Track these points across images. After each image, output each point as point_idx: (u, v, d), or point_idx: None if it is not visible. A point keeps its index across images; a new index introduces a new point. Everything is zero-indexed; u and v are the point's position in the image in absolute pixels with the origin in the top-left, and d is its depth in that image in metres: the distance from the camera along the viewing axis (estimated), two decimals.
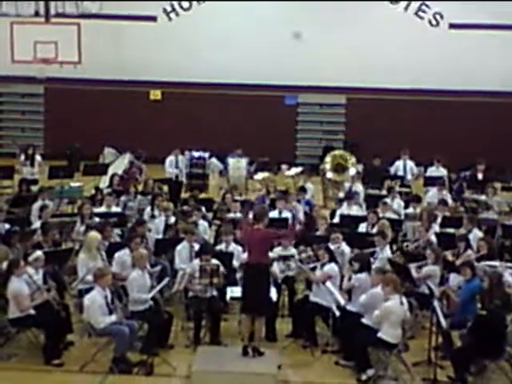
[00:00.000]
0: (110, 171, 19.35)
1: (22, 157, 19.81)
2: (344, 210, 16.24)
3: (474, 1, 24.27)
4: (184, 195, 18.62)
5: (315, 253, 12.35)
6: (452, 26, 25.21)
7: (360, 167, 20.74)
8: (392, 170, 20.43)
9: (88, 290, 11.01)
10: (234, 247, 12.83)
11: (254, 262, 10.42)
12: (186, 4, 25.86)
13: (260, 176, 20.21)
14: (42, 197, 15.67)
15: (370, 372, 10.38)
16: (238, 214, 15.15)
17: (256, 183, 20.34)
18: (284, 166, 22.67)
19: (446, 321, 10.38)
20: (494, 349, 10.17)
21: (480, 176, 19.62)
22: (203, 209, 15.26)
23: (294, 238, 13.06)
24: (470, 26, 24.80)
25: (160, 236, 14.13)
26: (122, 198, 16.34)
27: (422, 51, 24.85)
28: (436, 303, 10.48)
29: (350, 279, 11.51)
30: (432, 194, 17.69)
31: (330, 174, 20.61)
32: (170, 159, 20.89)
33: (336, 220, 15.72)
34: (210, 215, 15.53)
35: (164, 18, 25.87)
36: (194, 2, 25.79)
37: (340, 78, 25.18)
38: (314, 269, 11.82)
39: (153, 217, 15.04)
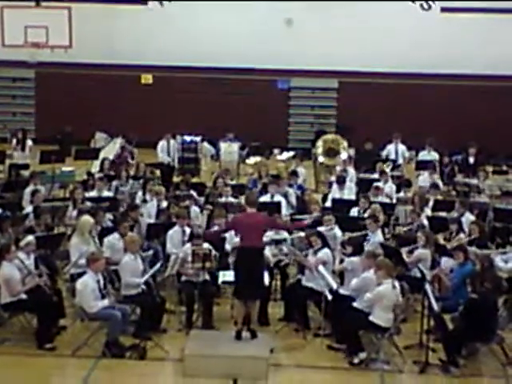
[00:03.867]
0: (102, 156, 19.32)
1: (14, 141, 19.74)
2: (335, 193, 16.26)
3: None
4: (176, 179, 18.60)
5: (307, 238, 12.35)
6: (444, 9, 25.16)
7: (352, 151, 20.74)
8: (384, 153, 20.43)
9: (80, 275, 11.02)
10: None
11: (249, 246, 10.43)
12: None
13: (252, 160, 20.22)
14: (33, 181, 15.63)
15: (362, 355, 10.43)
16: (230, 199, 15.14)
17: (248, 167, 20.35)
18: (276, 151, 22.66)
19: (437, 304, 10.43)
20: (486, 332, 10.23)
21: (471, 160, 19.64)
22: (195, 194, 15.28)
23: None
24: (462, 10, 24.75)
25: (152, 220, 14.13)
26: (114, 183, 16.33)
27: (414, 35, 24.77)
28: (428, 286, 10.52)
29: (341, 262, 11.55)
30: (423, 178, 17.74)
31: (321, 159, 20.63)
32: (162, 144, 20.81)
33: (328, 204, 15.74)
34: (201, 200, 15.52)
35: (155, 2, 25.73)
36: None
37: (332, 62, 25.10)
38: (306, 255, 11.84)
39: (144, 201, 15.04)
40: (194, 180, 18.24)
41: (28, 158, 19.26)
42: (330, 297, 10.91)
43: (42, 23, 22.85)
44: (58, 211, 14.49)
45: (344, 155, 20.06)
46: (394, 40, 24.74)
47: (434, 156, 19.81)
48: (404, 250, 12.13)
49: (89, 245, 11.96)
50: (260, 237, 10.59)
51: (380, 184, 16.31)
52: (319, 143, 20.96)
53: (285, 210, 14.89)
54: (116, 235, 12.20)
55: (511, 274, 11.99)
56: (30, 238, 11.54)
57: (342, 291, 11.23)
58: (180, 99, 25.46)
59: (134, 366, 10.33)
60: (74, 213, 14.01)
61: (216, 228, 12.66)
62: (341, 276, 11.80)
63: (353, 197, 16.11)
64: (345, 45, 24.79)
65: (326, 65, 25.14)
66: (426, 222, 13.83)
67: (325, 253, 11.65)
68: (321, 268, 11.25)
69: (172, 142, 20.93)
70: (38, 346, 10.63)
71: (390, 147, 20.50)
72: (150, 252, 12.17)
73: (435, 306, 10.35)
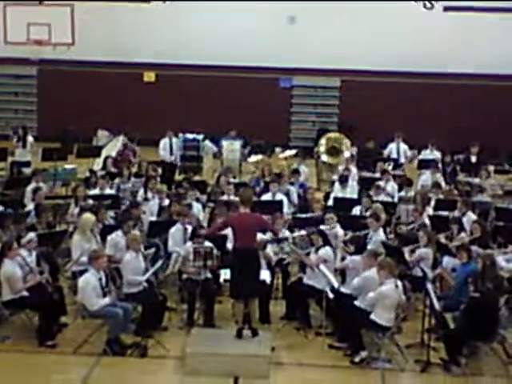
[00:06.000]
0: (104, 153, 19.33)
1: (15, 139, 19.74)
2: (337, 192, 16.25)
3: None
4: (178, 177, 18.60)
5: (309, 236, 12.34)
6: (447, 8, 25.10)
7: (354, 150, 20.73)
8: (385, 152, 20.43)
9: (82, 272, 11.02)
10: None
11: (242, 247, 10.40)
12: None
13: (254, 158, 20.23)
14: (35, 179, 15.62)
15: (364, 354, 10.42)
16: (232, 197, 15.13)
17: (250, 166, 20.35)
18: (278, 149, 22.67)
19: (439, 303, 10.41)
20: (487, 331, 10.22)
21: (474, 159, 19.65)
22: (197, 192, 15.27)
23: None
24: (464, 9, 24.69)
25: (154, 218, 14.12)
26: (116, 181, 16.32)
27: (417, 34, 24.76)
28: (429, 286, 10.51)
29: (342, 259, 11.55)
30: (425, 177, 17.73)
31: (324, 157, 20.62)
32: (164, 142, 20.80)
33: (330, 203, 15.74)
34: (203, 197, 15.51)
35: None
36: None
37: (334, 61, 25.12)
38: (308, 254, 11.83)
39: (146, 199, 15.02)
40: (196, 178, 18.23)
41: (29, 155, 19.25)
42: (331, 295, 10.90)
43: (45, 21, 22.86)
44: (59, 209, 14.51)
45: (346, 154, 20.05)
46: (396, 39, 24.74)
47: (436, 155, 19.82)
48: (406, 249, 12.13)
49: (90, 242, 11.97)
50: (253, 237, 10.52)
51: (381, 183, 16.30)
52: (323, 141, 20.94)
53: (286, 209, 14.89)
54: (119, 233, 12.20)
55: None
56: (32, 235, 11.55)
57: (343, 290, 11.23)
58: (182, 97, 25.49)
59: (135, 363, 10.32)
60: (76, 210, 14.02)
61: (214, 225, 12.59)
62: (342, 274, 11.80)
63: (355, 196, 16.11)
64: (347, 43, 24.81)
65: (329, 63, 25.17)
66: (427, 221, 13.82)
67: (326, 251, 11.64)
68: (322, 266, 11.24)
69: (174, 139, 20.93)
70: (39, 343, 10.62)
71: (392, 146, 20.49)
72: (152, 250, 12.16)
73: (437, 305, 10.33)
